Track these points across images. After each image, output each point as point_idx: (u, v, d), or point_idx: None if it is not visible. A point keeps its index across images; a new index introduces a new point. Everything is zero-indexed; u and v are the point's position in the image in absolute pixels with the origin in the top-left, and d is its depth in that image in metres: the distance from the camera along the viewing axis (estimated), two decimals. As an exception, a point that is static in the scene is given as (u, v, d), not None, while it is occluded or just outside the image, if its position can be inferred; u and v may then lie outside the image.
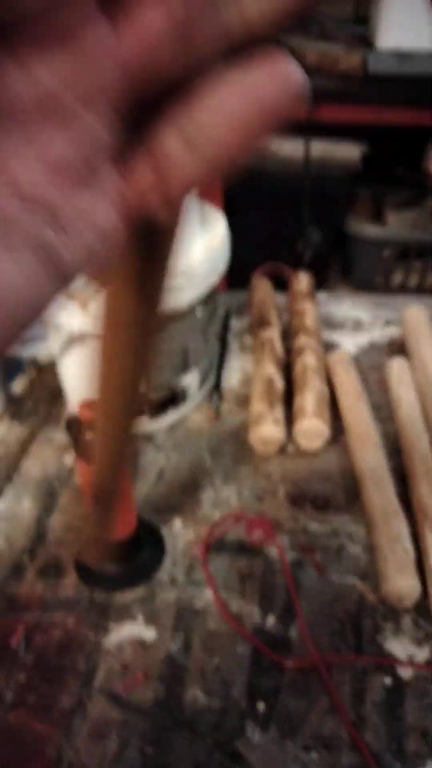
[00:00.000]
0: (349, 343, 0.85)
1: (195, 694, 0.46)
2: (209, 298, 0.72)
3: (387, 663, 0.46)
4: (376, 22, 1.33)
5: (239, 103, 0.16)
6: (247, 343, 0.86)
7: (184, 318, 0.68)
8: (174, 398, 0.54)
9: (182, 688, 0.47)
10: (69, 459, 0.69)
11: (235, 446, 0.69)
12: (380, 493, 0.57)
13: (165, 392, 0.53)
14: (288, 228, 1.34)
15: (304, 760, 0.42)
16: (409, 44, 1.31)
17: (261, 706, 0.45)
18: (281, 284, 0.95)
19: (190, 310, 0.68)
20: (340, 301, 0.95)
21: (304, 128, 1.25)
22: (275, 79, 0.16)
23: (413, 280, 1.52)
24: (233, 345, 0.86)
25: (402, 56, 1.30)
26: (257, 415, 0.67)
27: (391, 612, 0.50)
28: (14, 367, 0.83)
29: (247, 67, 0.16)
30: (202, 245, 0.69)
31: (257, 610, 0.51)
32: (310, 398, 0.68)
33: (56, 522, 0.61)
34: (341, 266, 1.52)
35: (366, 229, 1.43)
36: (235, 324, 0.91)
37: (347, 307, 0.94)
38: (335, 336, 0.86)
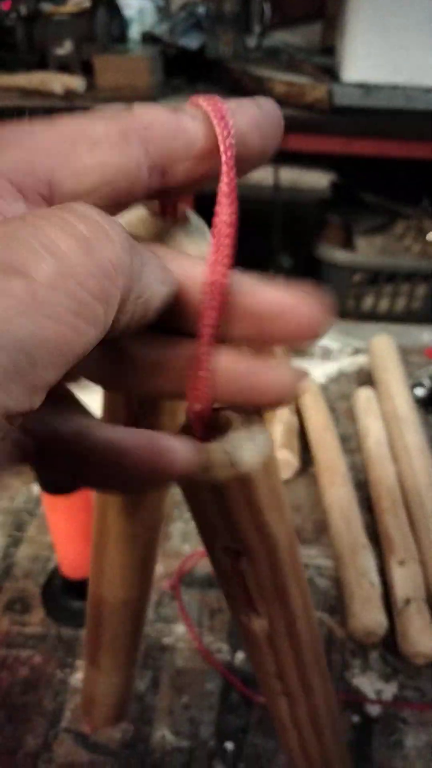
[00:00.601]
0: (318, 372, 0.85)
1: (163, 734, 0.45)
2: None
3: (355, 700, 0.46)
4: (342, 53, 1.35)
5: None
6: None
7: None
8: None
9: (150, 728, 0.46)
10: (37, 489, 0.68)
11: (205, 476, 0.68)
12: (347, 527, 0.57)
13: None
14: (258, 253, 1.35)
15: (272, 801, 0.42)
16: (373, 77, 1.33)
17: (229, 745, 0.44)
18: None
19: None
20: (309, 329, 0.96)
21: (273, 156, 1.27)
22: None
23: (384, 305, 1.54)
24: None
25: (367, 89, 1.33)
26: (227, 446, 0.67)
27: (359, 648, 0.50)
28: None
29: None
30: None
31: (226, 647, 0.51)
32: (278, 429, 0.68)
33: (23, 554, 0.60)
34: (311, 292, 1.54)
35: (336, 254, 1.45)
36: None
37: (316, 335, 0.94)
38: (304, 365, 0.87)
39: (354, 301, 1.51)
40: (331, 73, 1.40)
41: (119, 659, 0.35)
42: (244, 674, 0.49)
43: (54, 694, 0.48)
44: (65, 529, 0.49)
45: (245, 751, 0.44)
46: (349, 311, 1.50)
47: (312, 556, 0.59)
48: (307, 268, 1.46)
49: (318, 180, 1.36)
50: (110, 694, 0.38)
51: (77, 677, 0.49)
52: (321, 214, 1.44)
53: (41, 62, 1.44)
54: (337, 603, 0.54)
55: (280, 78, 1.26)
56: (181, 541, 0.61)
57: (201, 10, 1.50)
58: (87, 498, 0.49)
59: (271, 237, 1.35)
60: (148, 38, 1.44)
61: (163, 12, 1.72)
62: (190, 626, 0.52)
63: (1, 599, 0.56)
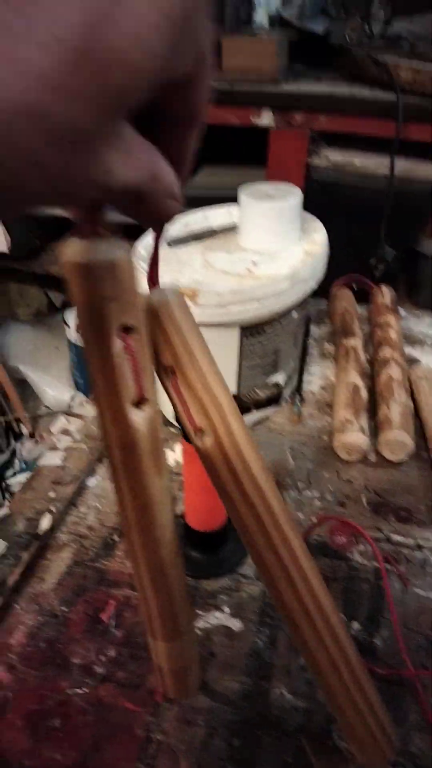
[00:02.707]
0: (429, 359, 0.82)
1: (281, 692, 0.44)
2: (303, 303, 0.70)
3: None
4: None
5: None
6: (327, 350, 0.84)
7: (281, 320, 0.66)
8: (277, 396, 0.52)
9: (268, 684, 0.45)
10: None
11: (316, 450, 0.67)
12: (469, 514, 0.54)
13: (270, 390, 0.51)
14: (362, 242, 1.30)
15: (387, 772, 0.40)
16: None
17: (347, 712, 0.43)
18: (358, 296, 0.92)
19: (287, 313, 0.66)
20: (419, 318, 0.92)
21: (392, 145, 1.21)
22: None
23: None
24: (313, 351, 0.84)
25: None
26: (342, 423, 0.65)
27: None
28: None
29: None
30: (303, 251, 0.67)
31: (341, 615, 0.49)
32: (396, 410, 0.65)
33: (143, 504, 0.60)
34: (407, 284, 1.48)
35: (438, 249, 1.38)
36: (315, 331, 0.88)
37: (426, 324, 0.90)
38: (415, 352, 0.83)
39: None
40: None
41: (191, 617, 0.36)
42: (360, 644, 0.47)
43: (174, 639, 0.48)
44: (198, 481, 0.48)
45: (363, 720, 0.42)
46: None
47: (427, 538, 0.56)
48: (409, 260, 1.40)
49: (430, 172, 1.29)
50: (193, 658, 0.37)
51: (198, 625, 0.49)
52: (428, 207, 1.37)
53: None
54: (456, 588, 0.51)
55: (406, 65, 1.20)
56: (295, 508, 0.59)
57: (327, -5, 1.45)
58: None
59: (376, 226, 1.29)
60: (275, 21, 1.39)
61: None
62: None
63: (123, 543, 0.56)
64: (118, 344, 0.23)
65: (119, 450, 0.26)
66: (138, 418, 0.25)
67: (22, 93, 0.14)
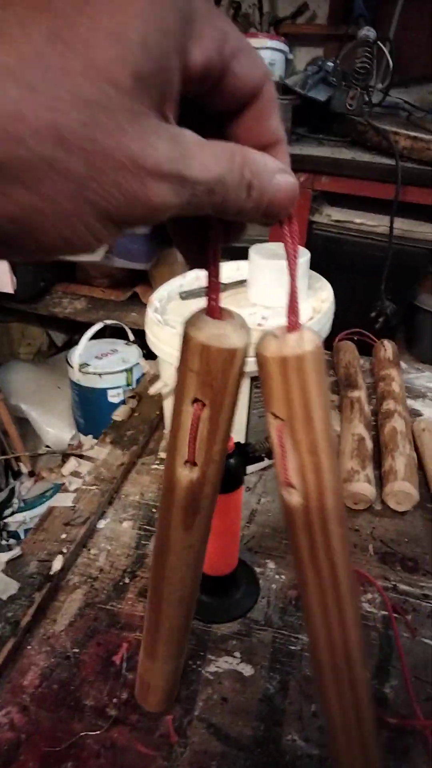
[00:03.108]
0: (430, 412, 0.84)
1: (293, 738, 0.45)
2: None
3: None
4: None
5: None
6: (331, 401, 0.86)
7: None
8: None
9: (280, 730, 0.45)
10: (165, 488, 0.69)
11: (322, 497, 0.68)
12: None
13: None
14: (362, 296, 1.34)
15: None
16: None
17: (359, 761, 0.43)
18: (359, 348, 0.95)
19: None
20: (420, 372, 0.95)
21: (391, 206, 1.27)
22: None
23: None
24: (318, 400, 0.86)
25: None
26: (349, 472, 0.67)
27: None
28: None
29: None
30: (311, 308, 0.70)
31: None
32: (401, 461, 0.67)
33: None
34: (406, 338, 1.52)
35: (435, 304, 1.43)
36: (319, 380, 0.91)
37: (426, 378, 0.93)
38: (417, 405, 0.86)
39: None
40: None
41: (173, 649, 0.40)
42: (373, 692, 0.48)
43: (187, 683, 0.48)
44: (214, 526, 0.49)
45: (375, 769, 0.43)
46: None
47: (433, 588, 0.57)
48: (408, 315, 1.45)
49: (430, 232, 1.35)
50: (164, 681, 0.42)
51: (209, 669, 0.49)
52: (427, 264, 1.42)
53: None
54: (462, 638, 0.52)
55: (404, 132, 1.26)
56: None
57: (329, 65, 1.53)
58: (237, 499, 0.49)
59: (375, 281, 1.34)
60: (280, 88, 1.47)
61: (290, 65, 1.76)
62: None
63: (136, 585, 0.57)
64: (188, 410, 0.26)
65: (163, 492, 0.30)
66: (182, 474, 0.29)
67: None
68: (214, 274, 0.25)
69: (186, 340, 0.25)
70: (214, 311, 0.25)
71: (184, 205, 0.18)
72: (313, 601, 0.30)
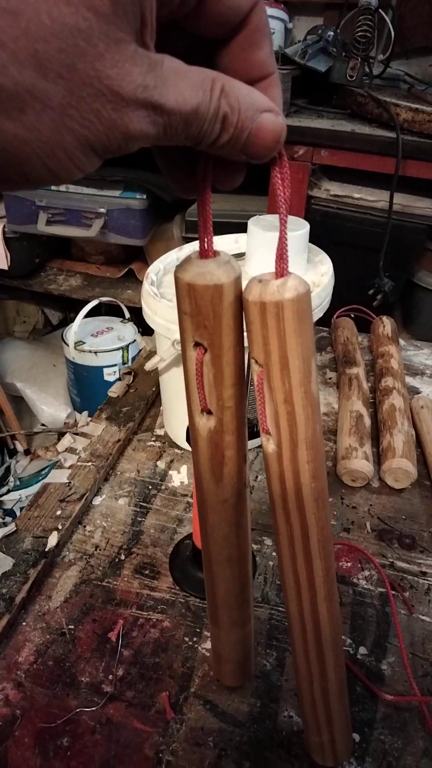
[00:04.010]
0: (429, 389, 0.83)
1: (290, 714, 0.44)
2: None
3: None
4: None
5: None
6: (329, 378, 0.85)
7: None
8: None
9: (276, 707, 0.45)
10: (162, 464, 0.69)
11: (320, 475, 0.67)
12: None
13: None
14: (360, 272, 1.32)
15: (395, 798, 0.40)
16: None
17: (356, 737, 0.43)
18: (358, 325, 0.94)
19: (294, 341, 0.67)
20: (419, 348, 0.94)
21: (391, 180, 1.24)
22: None
23: None
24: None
25: None
26: (347, 450, 0.66)
27: None
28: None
29: None
30: (310, 282, 0.69)
31: (349, 640, 0.50)
32: (399, 439, 0.67)
33: (150, 523, 0.61)
34: (403, 315, 1.51)
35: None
36: (317, 358, 0.90)
37: (425, 355, 0.92)
38: (415, 382, 0.85)
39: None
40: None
41: (234, 616, 0.38)
42: (368, 669, 0.47)
43: (183, 660, 0.48)
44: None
45: (371, 746, 0.42)
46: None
47: (431, 565, 0.57)
48: (405, 291, 1.43)
49: (430, 207, 1.33)
50: (233, 650, 0.41)
51: (205, 646, 0.49)
52: (425, 240, 1.41)
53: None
54: (460, 615, 0.52)
55: (406, 104, 1.24)
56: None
57: (329, 34, 1.49)
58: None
59: (374, 257, 1.32)
60: (279, 58, 1.44)
61: (290, 34, 1.72)
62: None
63: (132, 562, 0.56)
64: (191, 356, 0.26)
65: (192, 446, 0.30)
66: (200, 424, 0.28)
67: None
68: (203, 215, 0.24)
69: (176, 283, 0.25)
70: (206, 253, 0.24)
71: (161, 135, 0.17)
72: (285, 554, 0.30)
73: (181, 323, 0.25)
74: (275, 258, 0.24)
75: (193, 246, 0.75)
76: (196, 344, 0.25)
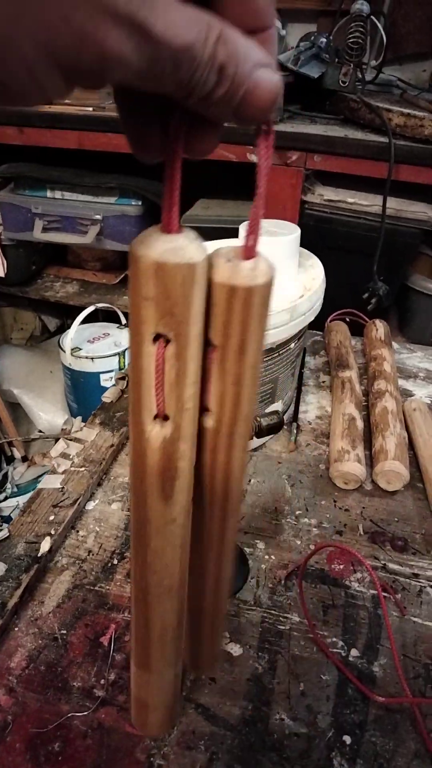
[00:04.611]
0: (423, 392, 0.83)
1: (282, 718, 0.44)
2: (301, 335, 0.71)
3: None
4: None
5: None
6: (322, 381, 0.85)
7: (280, 352, 0.67)
8: (279, 425, 0.53)
9: (268, 710, 0.45)
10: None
11: (313, 478, 0.68)
12: (464, 543, 0.55)
13: (274, 419, 0.52)
14: (354, 276, 1.33)
15: (387, 800, 0.40)
16: None
17: (347, 739, 0.43)
18: (351, 328, 0.94)
19: (286, 345, 0.68)
20: (412, 352, 0.94)
21: (384, 185, 1.25)
22: None
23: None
24: (309, 381, 0.85)
25: None
26: (340, 452, 0.66)
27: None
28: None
29: None
30: (302, 286, 0.69)
31: (341, 642, 0.50)
32: (391, 441, 0.67)
33: (143, 529, 0.61)
34: (398, 318, 1.51)
35: (428, 285, 1.42)
36: (311, 362, 0.90)
37: (418, 358, 0.92)
38: (408, 385, 0.85)
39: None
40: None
41: (168, 654, 0.34)
42: (359, 671, 0.47)
43: (175, 663, 0.48)
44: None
45: (363, 748, 0.42)
46: (433, 341, 1.46)
47: (423, 567, 0.57)
48: (400, 295, 1.43)
49: (423, 212, 1.33)
50: (163, 695, 0.36)
51: (197, 650, 0.49)
52: (419, 244, 1.41)
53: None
54: (452, 616, 0.52)
55: (398, 109, 1.24)
56: (293, 535, 0.60)
57: (322, 41, 1.50)
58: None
59: (368, 261, 1.33)
60: (272, 65, 1.45)
61: (283, 41, 1.73)
62: (309, 619, 0.51)
63: (124, 567, 0.56)
64: (149, 351, 0.22)
65: (132, 459, 0.26)
66: (152, 432, 0.24)
67: None
68: (170, 183, 0.21)
69: (134, 262, 0.21)
70: (170, 226, 0.21)
71: (144, 69, 0.15)
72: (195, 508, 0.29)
73: (138, 312, 0.21)
74: (246, 233, 0.21)
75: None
76: (157, 337, 0.22)
